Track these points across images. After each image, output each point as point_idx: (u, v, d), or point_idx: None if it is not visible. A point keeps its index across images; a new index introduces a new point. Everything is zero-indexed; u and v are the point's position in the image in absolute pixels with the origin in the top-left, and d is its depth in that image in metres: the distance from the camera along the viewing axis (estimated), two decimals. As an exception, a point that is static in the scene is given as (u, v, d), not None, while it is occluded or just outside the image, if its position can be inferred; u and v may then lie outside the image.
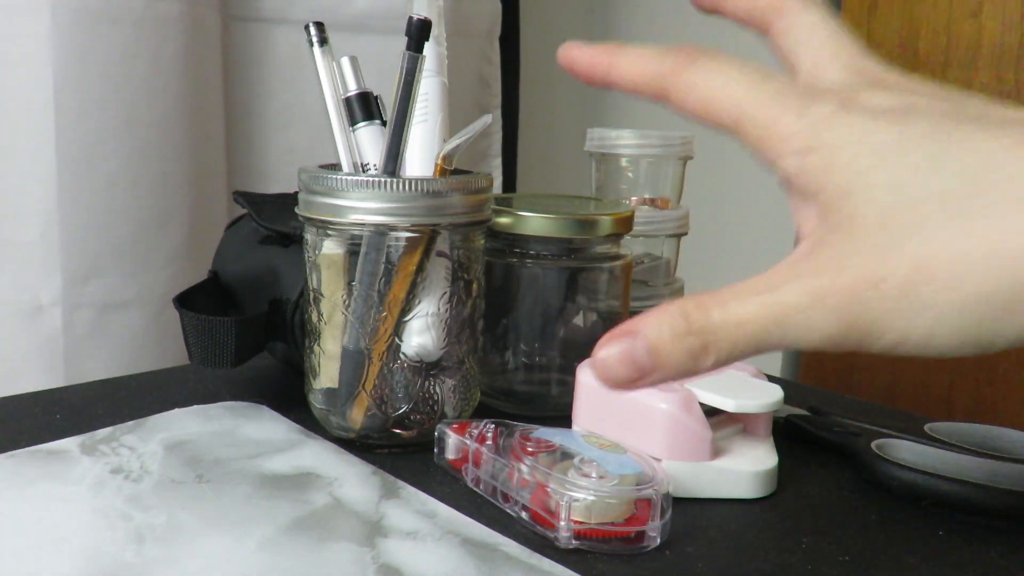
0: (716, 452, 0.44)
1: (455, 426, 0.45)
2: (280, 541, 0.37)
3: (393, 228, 0.44)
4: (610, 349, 0.25)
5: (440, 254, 0.46)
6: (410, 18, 0.43)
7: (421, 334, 0.46)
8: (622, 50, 0.29)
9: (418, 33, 0.43)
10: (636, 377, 0.25)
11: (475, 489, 0.43)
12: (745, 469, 0.43)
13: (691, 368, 0.25)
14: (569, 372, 0.49)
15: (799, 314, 0.23)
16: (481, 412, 0.51)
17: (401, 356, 0.46)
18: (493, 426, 0.44)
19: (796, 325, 0.24)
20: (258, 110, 0.88)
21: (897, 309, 0.22)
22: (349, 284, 0.45)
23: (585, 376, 0.47)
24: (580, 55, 0.30)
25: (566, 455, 0.41)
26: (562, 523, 0.37)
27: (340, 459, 0.45)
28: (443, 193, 0.44)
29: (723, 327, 0.24)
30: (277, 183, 0.88)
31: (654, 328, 0.25)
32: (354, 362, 0.46)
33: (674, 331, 0.25)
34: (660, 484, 0.38)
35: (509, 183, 1.17)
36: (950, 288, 0.22)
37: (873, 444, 0.46)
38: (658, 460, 0.42)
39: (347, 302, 0.45)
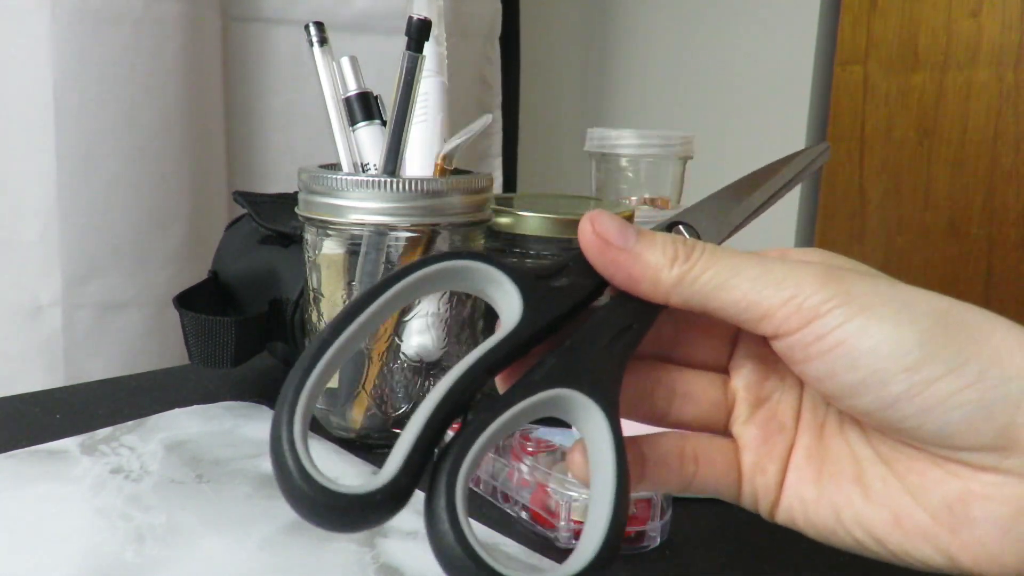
0: (716, 452, 0.43)
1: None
2: (280, 541, 0.37)
3: (393, 228, 0.44)
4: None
5: (440, 254, 0.46)
6: (410, 18, 0.43)
7: (421, 334, 0.46)
8: None
9: (418, 33, 0.43)
10: (619, 240, 0.27)
11: (475, 489, 0.43)
12: (745, 469, 0.43)
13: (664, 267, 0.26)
14: (569, 372, 0.49)
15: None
16: (481, 412, 0.50)
17: (401, 356, 0.46)
18: (493, 426, 0.44)
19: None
20: (258, 110, 0.88)
21: None
22: (349, 284, 0.45)
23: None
24: None
25: (566, 455, 0.41)
26: (562, 523, 0.37)
27: (340, 459, 0.45)
28: (443, 193, 0.44)
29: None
30: (277, 183, 0.88)
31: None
32: (354, 362, 0.46)
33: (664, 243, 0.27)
34: (660, 484, 0.38)
35: (509, 183, 1.17)
36: None
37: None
38: (658, 460, 0.42)
39: (347, 302, 0.45)
